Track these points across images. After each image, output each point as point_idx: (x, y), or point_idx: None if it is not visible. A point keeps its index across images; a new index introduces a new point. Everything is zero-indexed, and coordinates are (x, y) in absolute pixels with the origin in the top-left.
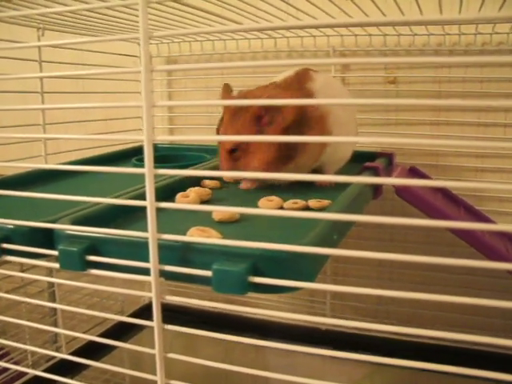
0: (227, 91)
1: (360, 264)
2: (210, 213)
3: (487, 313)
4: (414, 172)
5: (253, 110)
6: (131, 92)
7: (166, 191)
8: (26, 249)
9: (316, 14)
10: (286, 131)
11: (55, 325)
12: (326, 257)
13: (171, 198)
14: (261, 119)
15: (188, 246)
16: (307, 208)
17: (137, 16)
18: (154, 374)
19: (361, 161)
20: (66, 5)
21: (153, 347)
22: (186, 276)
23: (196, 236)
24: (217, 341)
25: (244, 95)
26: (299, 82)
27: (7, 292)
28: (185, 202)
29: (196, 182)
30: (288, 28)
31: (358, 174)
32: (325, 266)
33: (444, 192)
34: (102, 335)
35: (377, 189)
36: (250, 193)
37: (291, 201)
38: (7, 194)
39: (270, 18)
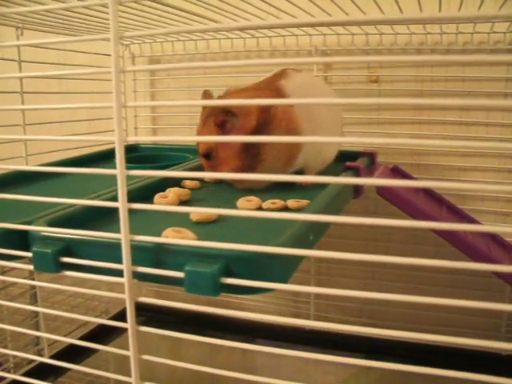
0: (206, 96)
1: (344, 263)
2: (188, 213)
3: (471, 312)
4: (396, 171)
5: (215, 115)
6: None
7: (146, 191)
8: (1, 250)
9: (297, 13)
10: (250, 135)
11: (37, 326)
12: (300, 257)
13: (151, 199)
14: (225, 124)
15: (161, 247)
16: (286, 208)
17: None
18: (141, 374)
19: (342, 160)
20: (42, 4)
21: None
22: (159, 277)
23: (171, 237)
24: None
25: (219, 98)
26: (272, 82)
27: None
28: (163, 202)
29: (176, 182)
30: (267, 27)
31: (340, 173)
32: (308, 266)
33: (426, 191)
34: (87, 336)
35: (358, 188)
36: (229, 193)
37: (270, 201)
38: None
39: (251, 18)
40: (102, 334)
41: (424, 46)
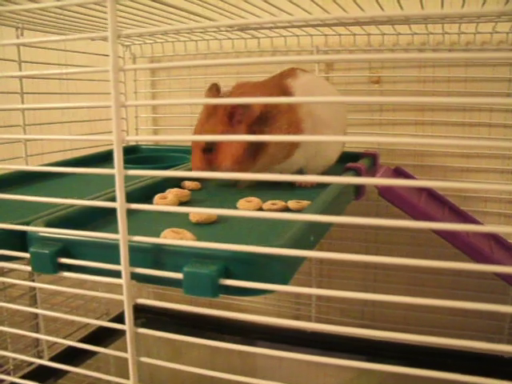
0: (212, 91)
1: (345, 265)
2: (187, 214)
3: (474, 314)
4: (398, 172)
5: (225, 107)
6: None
7: (145, 192)
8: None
9: (298, 13)
10: (253, 125)
11: (37, 328)
12: (300, 259)
13: (150, 200)
14: (233, 116)
15: (160, 248)
16: (286, 209)
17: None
18: (141, 376)
19: (344, 161)
20: (39, 3)
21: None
22: (157, 278)
23: (170, 237)
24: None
25: (225, 94)
26: (279, 79)
27: None
28: (163, 203)
29: (175, 183)
30: (267, 24)
31: (341, 174)
32: (309, 267)
33: (429, 192)
34: (87, 338)
35: (359, 190)
36: (229, 194)
37: (270, 202)
38: None
39: (252, 18)
40: (103, 336)
41: (426, 47)
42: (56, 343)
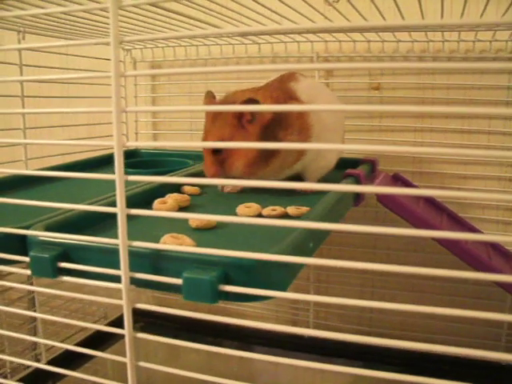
0: (209, 97)
1: (343, 271)
2: (187, 220)
3: (471, 320)
4: (397, 179)
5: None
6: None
7: (145, 197)
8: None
9: (299, 20)
10: (266, 128)
11: (35, 331)
12: (300, 265)
13: (150, 204)
14: (242, 117)
15: (159, 254)
16: (286, 215)
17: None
18: (138, 379)
19: (343, 167)
20: (42, 7)
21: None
22: (157, 284)
23: (169, 243)
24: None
25: (225, 99)
26: (282, 82)
27: None
28: (162, 208)
29: (175, 187)
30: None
31: (340, 180)
32: (307, 273)
33: (427, 199)
34: (85, 341)
35: (358, 196)
36: (228, 199)
37: (270, 207)
38: None
39: (253, 24)
40: (101, 339)
41: (426, 54)
42: (53, 346)
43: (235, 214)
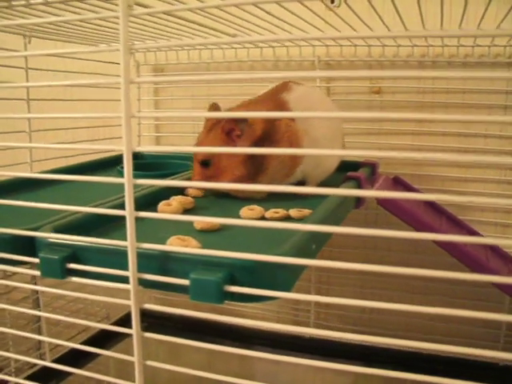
0: (213, 109)
1: (344, 272)
2: (191, 221)
3: (470, 321)
4: (397, 182)
5: (223, 123)
6: (118, 100)
7: (150, 199)
8: (8, 256)
9: (301, 25)
10: (256, 143)
11: (39, 331)
12: (302, 267)
13: (155, 206)
14: (232, 132)
15: (166, 255)
16: (288, 217)
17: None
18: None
19: (344, 170)
20: (49, 13)
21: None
22: (164, 284)
23: (176, 245)
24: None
25: (226, 111)
26: (275, 94)
27: None
28: (167, 210)
29: (180, 190)
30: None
31: (341, 183)
32: (309, 274)
33: (426, 201)
34: (88, 341)
35: (359, 199)
36: (232, 201)
37: (272, 210)
38: None
39: (256, 29)
40: (103, 339)
41: (426, 58)
42: (57, 346)
43: (238, 216)
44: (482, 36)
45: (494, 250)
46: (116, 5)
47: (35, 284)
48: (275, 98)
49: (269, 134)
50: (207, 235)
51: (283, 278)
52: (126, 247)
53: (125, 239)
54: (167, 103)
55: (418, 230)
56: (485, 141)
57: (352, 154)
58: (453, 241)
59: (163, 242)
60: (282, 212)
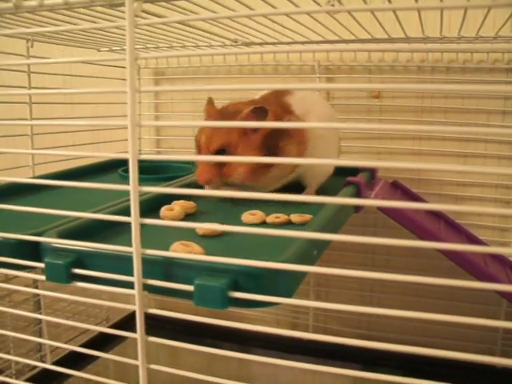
0: (210, 104)
1: (343, 275)
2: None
3: (467, 324)
4: (396, 186)
5: (240, 116)
6: (119, 103)
7: (152, 203)
8: (12, 261)
9: (301, 30)
10: (267, 137)
11: (40, 333)
12: (304, 272)
13: (157, 210)
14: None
15: (171, 261)
16: (289, 222)
17: (124, 30)
18: (139, 382)
19: (343, 174)
20: (53, 18)
21: (137, 355)
22: (168, 290)
23: (179, 250)
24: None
25: (226, 108)
26: (277, 96)
27: None
28: (169, 215)
29: (181, 194)
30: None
31: (340, 188)
32: (308, 277)
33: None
34: (88, 343)
35: None
36: (233, 206)
37: (273, 215)
38: None
39: (257, 34)
40: (102, 342)
41: (425, 64)
42: (57, 349)
43: (240, 221)
44: (482, 46)
45: (493, 255)
46: (122, 12)
47: (36, 287)
48: (279, 101)
49: (279, 129)
50: (209, 240)
51: (286, 283)
52: (131, 253)
53: (129, 244)
54: (167, 106)
55: (416, 234)
56: (485, 145)
57: (350, 164)
58: (456, 249)
59: (166, 247)
60: (283, 217)
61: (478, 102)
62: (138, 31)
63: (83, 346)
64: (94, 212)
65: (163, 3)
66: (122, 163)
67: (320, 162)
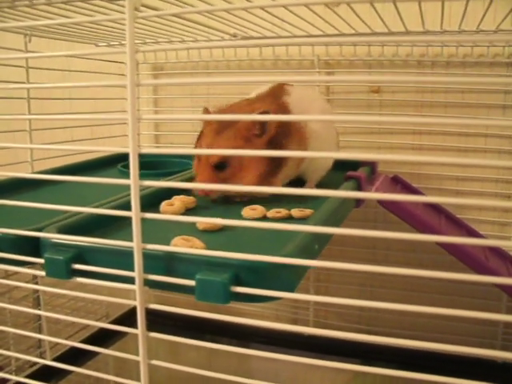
0: (207, 113)
1: (343, 270)
2: (194, 221)
3: (468, 319)
4: (396, 180)
5: (243, 122)
6: (118, 98)
7: (152, 198)
8: (12, 256)
9: (301, 24)
10: (271, 142)
11: (40, 329)
12: (306, 267)
13: (157, 205)
14: (250, 131)
15: (172, 256)
16: (290, 217)
17: (123, 24)
18: (139, 378)
19: (344, 169)
20: (51, 13)
21: (137, 351)
22: (170, 285)
23: (180, 245)
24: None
25: (224, 111)
26: (274, 96)
27: None
28: (170, 210)
29: (181, 189)
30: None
31: (341, 182)
32: (308, 273)
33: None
34: (88, 339)
35: (359, 198)
36: (233, 201)
37: (274, 210)
38: None
39: (256, 28)
40: (102, 338)
41: (425, 58)
42: (57, 345)
43: (241, 216)
44: (482, 41)
45: (493, 248)
46: (122, 6)
47: (36, 283)
48: (277, 102)
49: (283, 131)
50: (210, 235)
51: (287, 278)
52: (131, 248)
53: (129, 239)
54: (166, 101)
55: (417, 228)
56: (485, 140)
57: (351, 157)
58: (456, 242)
59: (167, 242)
60: (283, 212)
61: (478, 97)
62: (137, 26)
63: (83, 342)
64: (94, 207)
65: None
66: (121, 159)
67: (320, 156)
